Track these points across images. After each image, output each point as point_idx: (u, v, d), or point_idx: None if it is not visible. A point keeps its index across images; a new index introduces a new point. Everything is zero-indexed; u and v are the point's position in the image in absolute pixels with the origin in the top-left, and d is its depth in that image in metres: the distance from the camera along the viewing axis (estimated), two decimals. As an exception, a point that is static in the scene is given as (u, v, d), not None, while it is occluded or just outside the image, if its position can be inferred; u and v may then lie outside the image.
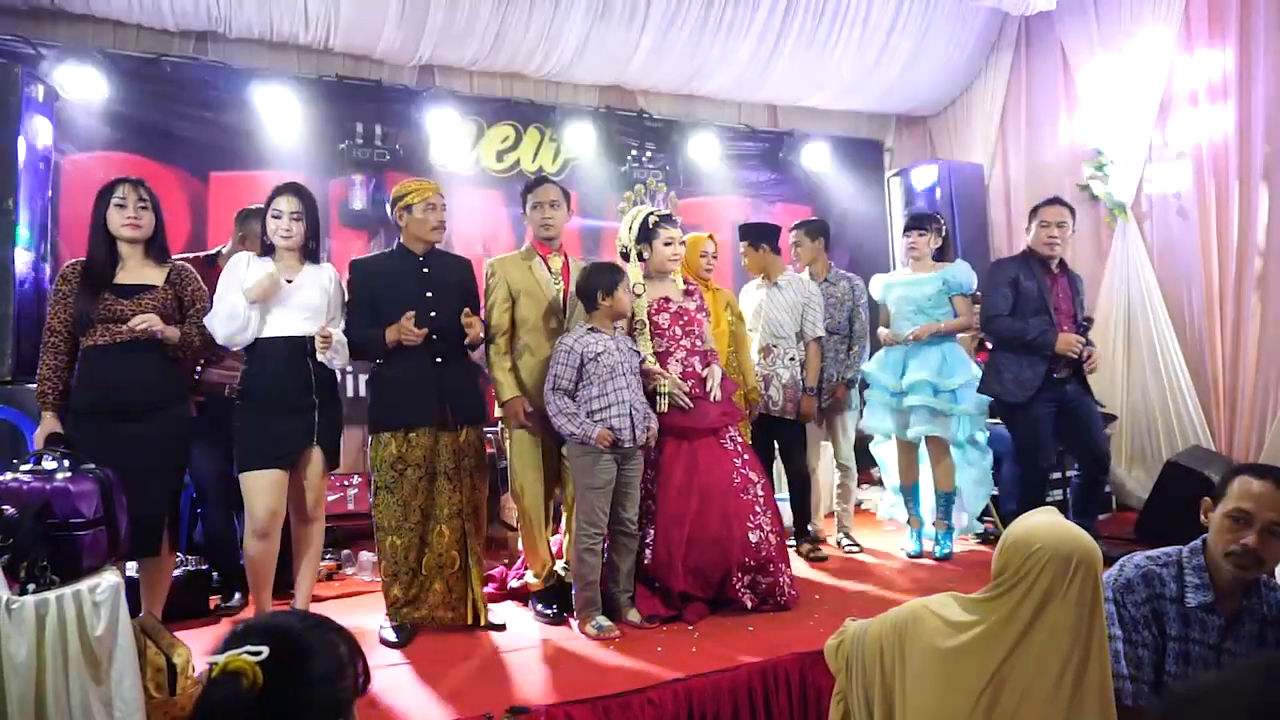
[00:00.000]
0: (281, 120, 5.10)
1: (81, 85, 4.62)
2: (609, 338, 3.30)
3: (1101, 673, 1.68)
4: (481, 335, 3.28)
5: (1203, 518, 2.04)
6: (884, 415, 4.37)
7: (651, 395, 3.44)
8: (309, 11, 5.00)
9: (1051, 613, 1.66)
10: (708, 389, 3.51)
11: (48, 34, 4.72)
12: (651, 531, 3.44)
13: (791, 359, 4.25)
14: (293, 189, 3.14)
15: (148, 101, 4.90)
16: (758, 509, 3.48)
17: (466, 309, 3.24)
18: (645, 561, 3.42)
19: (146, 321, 2.84)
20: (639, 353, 3.43)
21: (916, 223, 4.41)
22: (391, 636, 3.15)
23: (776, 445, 4.38)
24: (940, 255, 4.43)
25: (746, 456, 3.60)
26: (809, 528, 4.39)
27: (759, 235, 4.44)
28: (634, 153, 6.12)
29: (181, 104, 4.99)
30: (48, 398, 2.88)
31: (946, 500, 4.26)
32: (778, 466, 4.49)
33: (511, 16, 5.25)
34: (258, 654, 1.07)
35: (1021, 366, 3.93)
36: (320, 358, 3.06)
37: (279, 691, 1.07)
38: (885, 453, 4.64)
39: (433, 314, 3.22)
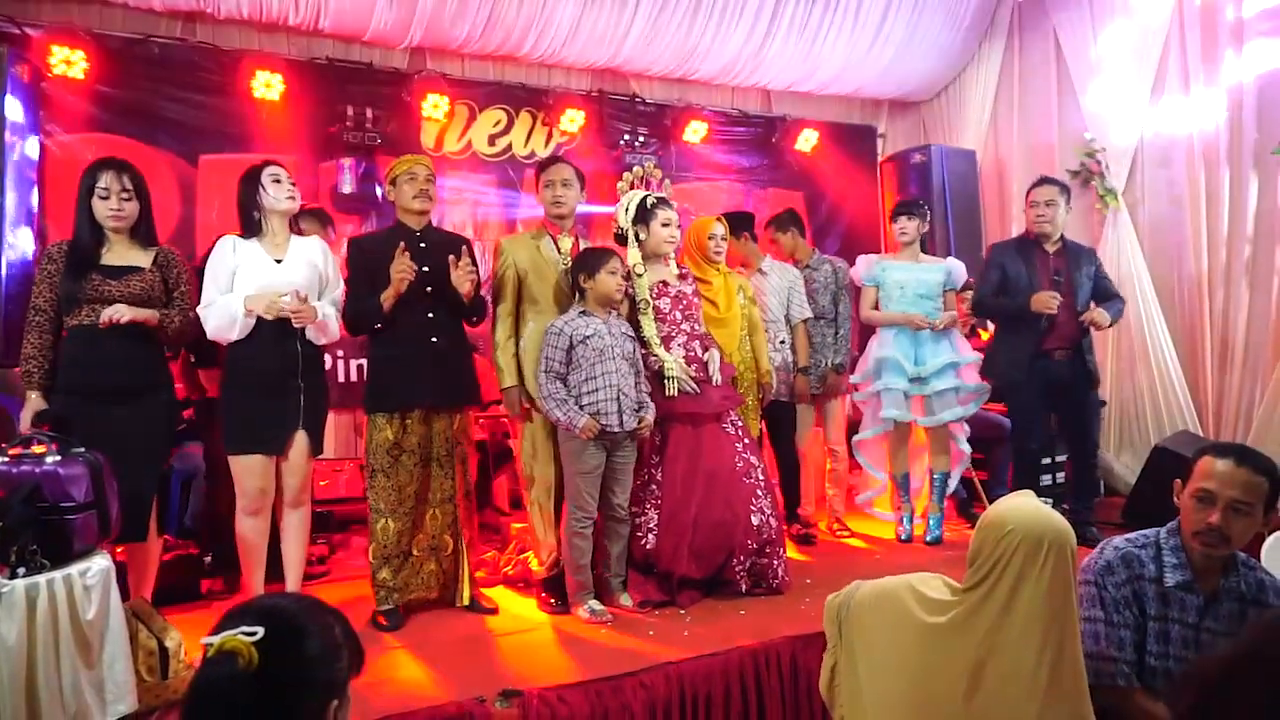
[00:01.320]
0: (271, 103, 5.05)
1: (68, 66, 4.56)
2: (600, 321, 3.29)
3: (1075, 655, 1.70)
4: (471, 290, 3.25)
5: (1175, 499, 2.07)
6: (898, 402, 4.26)
7: (657, 380, 3.44)
8: (298, -8, 4.95)
9: (1026, 595, 1.68)
10: (710, 373, 3.51)
11: (32, 13, 4.66)
12: (655, 516, 3.44)
13: (782, 342, 4.32)
14: (277, 162, 3.15)
15: (136, 83, 4.84)
16: (759, 492, 3.50)
17: (452, 257, 3.21)
18: (648, 547, 3.42)
19: (114, 313, 2.79)
20: (633, 338, 3.41)
21: (905, 208, 4.41)
22: (383, 620, 3.16)
23: (766, 428, 4.39)
24: (924, 241, 4.46)
25: (747, 440, 3.62)
26: (798, 511, 4.41)
27: (739, 224, 4.44)
28: (626, 137, 6.07)
29: (170, 85, 4.93)
30: (34, 377, 2.85)
31: (942, 482, 4.28)
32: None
33: (503, -1, 5.21)
34: (253, 634, 1.07)
35: (1013, 346, 4.11)
36: (309, 335, 3.05)
37: (275, 672, 1.08)
38: (868, 448, 4.60)
39: (429, 288, 3.21)
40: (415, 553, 3.28)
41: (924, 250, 4.46)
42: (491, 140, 5.78)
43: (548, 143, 5.90)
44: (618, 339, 3.31)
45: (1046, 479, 4.64)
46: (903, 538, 4.29)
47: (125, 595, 2.69)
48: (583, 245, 3.57)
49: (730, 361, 3.74)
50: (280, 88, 5.02)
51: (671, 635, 2.99)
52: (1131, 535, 2.13)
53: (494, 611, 3.31)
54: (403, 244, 3.14)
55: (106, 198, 2.88)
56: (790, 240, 4.64)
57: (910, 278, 4.31)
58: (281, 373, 3.03)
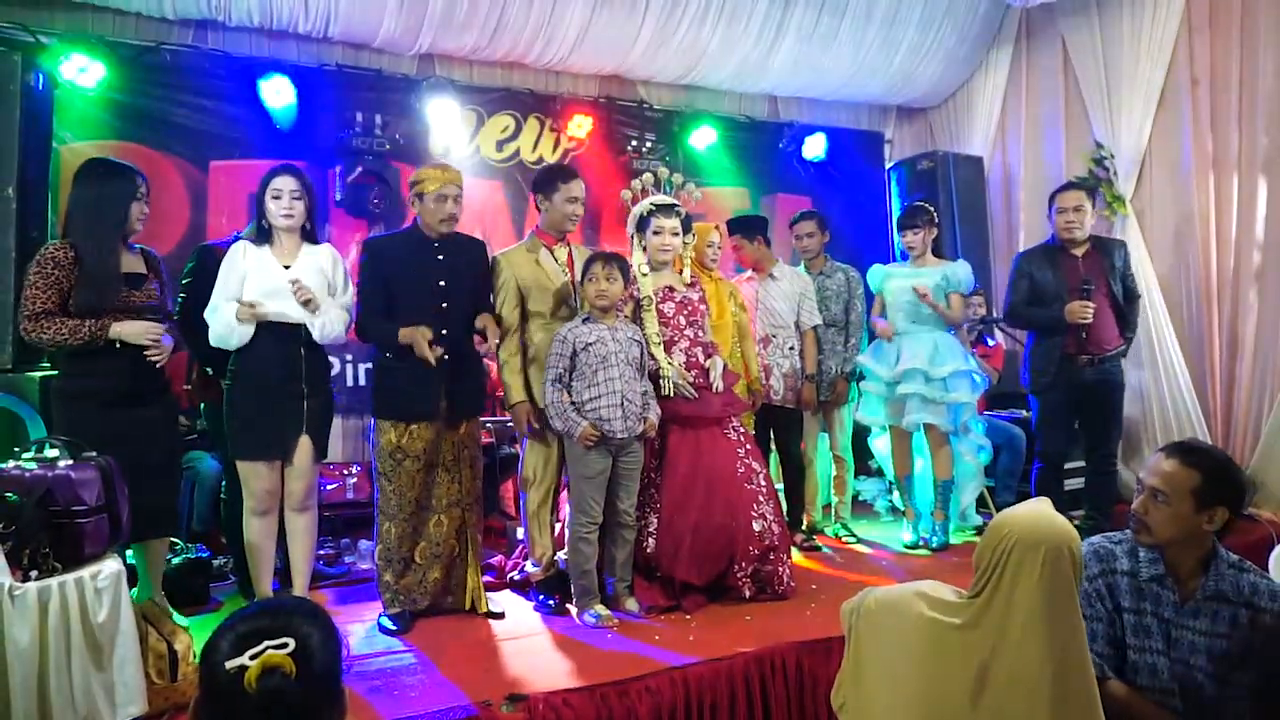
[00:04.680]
0: (281, 109, 5.09)
1: (80, 73, 4.61)
2: (604, 327, 3.30)
3: (1082, 660, 1.70)
4: (498, 341, 3.29)
5: None
6: (879, 405, 4.39)
7: (655, 382, 3.45)
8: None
9: (1023, 598, 1.69)
10: (710, 379, 3.52)
11: (46, 21, 4.71)
12: (655, 520, 3.45)
13: (791, 348, 4.32)
14: (289, 169, 3.15)
15: (147, 90, 4.87)
16: (761, 498, 3.50)
17: (482, 315, 3.26)
18: (648, 551, 3.43)
19: (160, 359, 2.88)
20: (640, 343, 3.41)
21: (910, 220, 4.39)
22: (390, 624, 3.16)
23: (773, 434, 4.40)
24: (935, 245, 4.46)
25: (749, 446, 3.62)
26: (803, 517, 4.41)
27: (754, 228, 4.46)
28: (634, 143, 6.10)
29: (181, 92, 4.97)
30: (95, 329, 2.77)
31: (945, 489, 4.28)
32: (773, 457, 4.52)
33: (512, 5, 5.22)
34: (285, 646, 1.11)
35: (1040, 355, 4.14)
36: (313, 333, 3.06)
37: (308, 675, 1.12)
38: (883, 446, 4.64)
39: (444, 304, 3.23)
40: (418, 560, 3.29)
41: (936, 254, 4.46)
42: (499, 146, 5.80)
43: (555, 149, 5.91)
44: (622, 345, 3.31)
45: (1071, 483, 4.57)
46: (908, 543, 4.29)
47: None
48: (575, 253, 3.59)
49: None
50: (290, 94, 5.05)
51: (677, 640, 2.99)
52: (1109, 533, 2.20)
53: (501, 616, 3.32)
54: (430, 332, 3.12)
55: (141, 200, 2.96)
56: (822, 240, 4.66)
57: (907, 284, 4.31)
58: (285, 379, 3.05)
